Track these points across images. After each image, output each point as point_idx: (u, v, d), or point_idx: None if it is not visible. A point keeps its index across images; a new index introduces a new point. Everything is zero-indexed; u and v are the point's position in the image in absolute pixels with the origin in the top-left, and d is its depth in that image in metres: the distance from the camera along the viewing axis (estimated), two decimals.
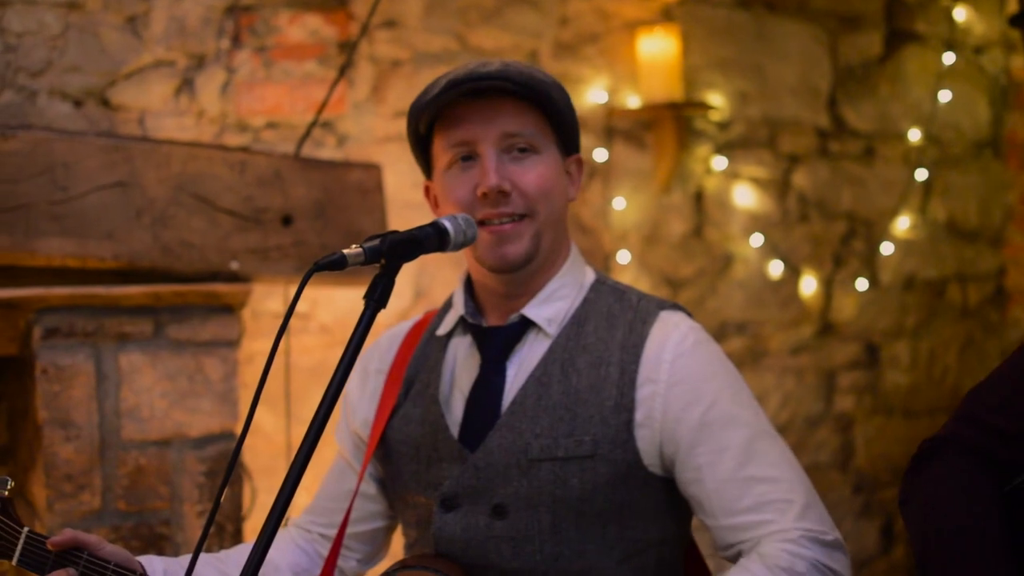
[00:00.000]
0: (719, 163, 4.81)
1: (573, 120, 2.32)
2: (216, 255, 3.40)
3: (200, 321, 3.41)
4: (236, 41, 4.15)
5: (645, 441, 2.19)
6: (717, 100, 4.80)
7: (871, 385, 5.16)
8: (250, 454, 3.82)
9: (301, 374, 4.04)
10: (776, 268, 4.91)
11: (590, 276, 2.38)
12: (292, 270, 3.49)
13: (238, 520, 3.47)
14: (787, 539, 2.10)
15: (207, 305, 3.41)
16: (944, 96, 5.07)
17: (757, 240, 4.86)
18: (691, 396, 2.19)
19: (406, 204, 4.11)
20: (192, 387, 3.40)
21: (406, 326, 2.53)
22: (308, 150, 3.99)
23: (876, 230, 5.10)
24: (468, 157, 2.25)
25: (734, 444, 2.17)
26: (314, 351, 4.17)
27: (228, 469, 1.81)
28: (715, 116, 4.81)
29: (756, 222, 4.89)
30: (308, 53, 4.23)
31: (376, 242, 1.97)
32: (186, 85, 4.09)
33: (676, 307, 2.33)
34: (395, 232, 2.01)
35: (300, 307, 4.22)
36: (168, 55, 4.06)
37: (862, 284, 5.04)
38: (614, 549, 2.22)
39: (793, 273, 4.96)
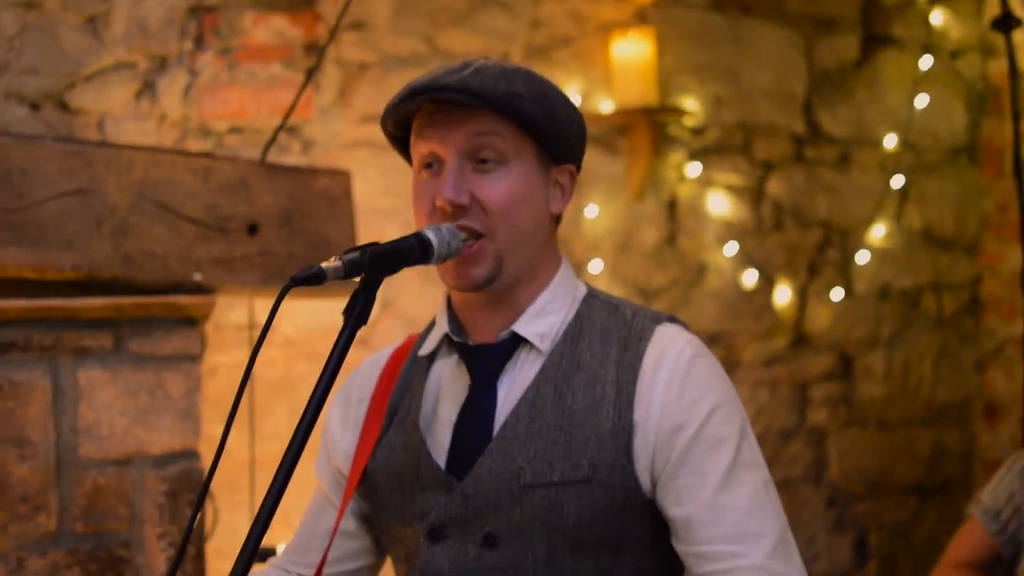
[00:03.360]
0: (693, 170, 4.72)
1: (563, 130, 2.15)
2: (179, 265, 3.27)
3: (163, 334, 3.27)
4: (199, 42, 4.03)
5: (642, 464, 2.09)
6: (692, 105, 4.71)
7: (845, 397, 5.08)
8: None
9: (264, 387, 3.92)
10: (750, 277, 4.82)
11: (582, 290, 2.27)
12: (258, 280, 3.36)
13: (200, 540, 3.35)
14: None
15: (170, 318, 3.27)
16: (921, 101, 5.01)
17: (731, 249, 4.78)
18: (683, 416, 2.09)
19: (375, 212, 4.00)
20: (153, 403, 3.27)
21: (388, 351, 2.40)
22: (273, 156, 3.88)
23: (851, 238, 5.03)
24: (434, 164, 2.11)
25: (716, 469, 2.07)
26: (277, 364, 4.05)
27: (199, 499, 1.70)
28: (689, 121, 4.72)
29: (730, 230, 4.80)
30: (273, 55, 4.12)
31: (356, 255, 1.85)
32: (147, 88, 3.97)
33: (672, 319, 2.22)
34: (376, 244, 1.89)
35: (261, 319, 4.12)
36: (129, 57, 3.94)
37: (837, 294, 4.97)
38: None
39: (767, 282, 4.88)
